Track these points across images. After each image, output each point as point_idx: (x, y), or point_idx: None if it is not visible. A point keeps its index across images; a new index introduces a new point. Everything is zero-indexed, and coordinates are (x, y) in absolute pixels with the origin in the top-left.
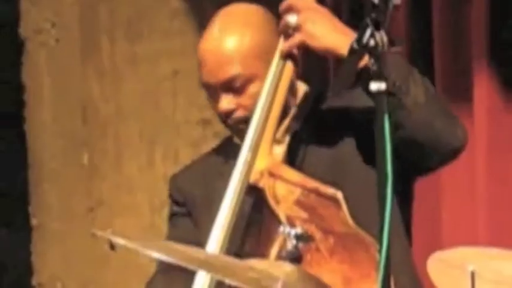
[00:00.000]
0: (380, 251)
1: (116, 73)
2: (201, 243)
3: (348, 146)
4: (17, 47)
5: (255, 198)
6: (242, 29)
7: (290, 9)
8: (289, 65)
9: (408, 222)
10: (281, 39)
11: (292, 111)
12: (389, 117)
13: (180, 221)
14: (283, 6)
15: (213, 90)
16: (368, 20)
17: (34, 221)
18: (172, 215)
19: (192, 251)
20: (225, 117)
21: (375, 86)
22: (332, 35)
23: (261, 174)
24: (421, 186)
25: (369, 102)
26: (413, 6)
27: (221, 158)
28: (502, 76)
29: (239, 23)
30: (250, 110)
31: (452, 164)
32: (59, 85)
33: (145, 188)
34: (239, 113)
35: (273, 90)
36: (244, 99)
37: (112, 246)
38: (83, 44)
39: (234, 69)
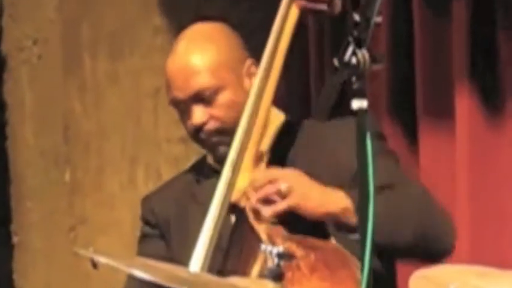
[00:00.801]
0: (362, 270)
1: (98, 90)
2: (176, 257)
3: (327, 167)
4: None
5: (236, 217)
6: (206, 42)
7: (276, 180)
8: (269, 92)
9: None
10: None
11: (269, 135)
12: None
13: (151, 243)
14: (268, 177)
15: (183, 106)
16: (350, 38)
17: (16, 239)
18: (143, 237)
19: (174, 269)
20: (197, 131)
21: (357, 103)
22: (322, 206)
23: (243, 193)
24: None
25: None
26: (395, 25)
27: (193, 178)
28: (483, 94)
29: (202, 38)
30: (222, 121)
31: (434, 183)
32: (40, 102)
33: (127, 205)
34: (211, 125)
35: (254, 109)
36: (215, 110)
37: (94, 265)
38: (65, 61)
39: (201, 81)
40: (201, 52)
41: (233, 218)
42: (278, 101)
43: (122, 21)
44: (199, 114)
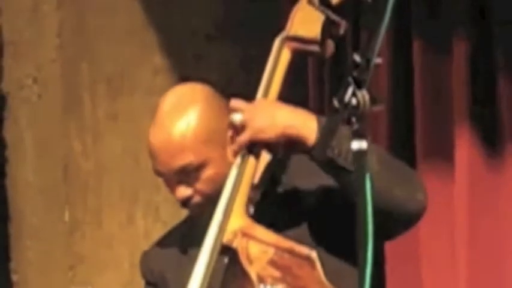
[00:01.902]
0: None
1: (97, 129)
2: None
3: (318, 203)
4: None
5: (229, 258)
6: (187, 116)
7: (234, 110)
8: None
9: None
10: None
11: (256, 179)
12: (369, 179)
13: None
14: (231, 105)
15: (167, 178)
16: (350, 79)
17: (14, 277)
18: None
19: None
20: (183, 203)
21: (356, 144)
22: (276, 128)
23: (234, 234)
24: (400, 245)
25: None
26: (395, 67)
27: (186, 231)
28: (483, 135)
29: (183, 110)
30: (207, 195)
31: (433, 225)
32: (40, 141)
33: (126, 245)
34: (196, 200)
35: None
36: (200, 185)
37: None
38: (65, 100)
39: (185, 158)
40: (182, 126)
41: (226, 260)
42: None
43: (121, 61)
44: (183, 190)
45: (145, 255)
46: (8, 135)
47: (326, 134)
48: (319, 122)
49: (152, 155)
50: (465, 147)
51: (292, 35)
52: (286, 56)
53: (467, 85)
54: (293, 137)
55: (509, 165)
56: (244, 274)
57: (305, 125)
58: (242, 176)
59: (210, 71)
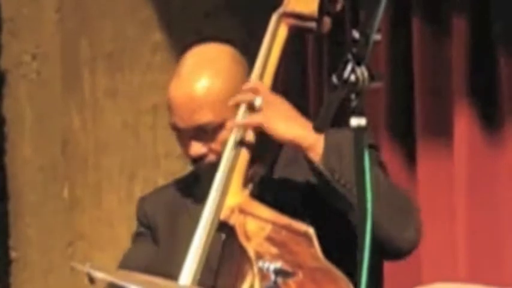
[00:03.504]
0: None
1: (97, 106)
2: (161, 265)
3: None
4: None
5: (226, 234)
6: (212, 74)
7: (255, 91)
8: None
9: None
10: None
11: (258, 155)
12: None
13: (144, 241)
14: (247, 86)
15: (183, 134)
16: (349, 55)
17: (13, 254)
18: (138, 234)
19: (170, 285)
20: (195, 160)
21: (355, 121)
22: (292, 129)
23: (232, 211)
24: None
25: None
26: (394, 44)
27: (187, 190)
28: (482, 112)
29: (209, 67)
30: (221, 155)
31: (432, 201)
32: (39, 118)
33: (125, 221)
34: (210, 158)
35: (244, 129)
36: (215, 145)
37: (91, 280)
38: (64, 76)
39: (205, 117)
40: (206, 84)
41: (223, 236)
42: None
43: (121, 38)
44: (198, 147)
45: (142, 199)
46: (7, 112)
47: (332, 155)
48: (326, 142)
49: (172, 108)
50: (464, 123)
51: (289, 11)
52: (283, 33)
53: (466, 61)
54: (299, 147)
55: (508, 141)
56: (242, 251)
57: (309, 149)
58: (239, 153)
59: None
